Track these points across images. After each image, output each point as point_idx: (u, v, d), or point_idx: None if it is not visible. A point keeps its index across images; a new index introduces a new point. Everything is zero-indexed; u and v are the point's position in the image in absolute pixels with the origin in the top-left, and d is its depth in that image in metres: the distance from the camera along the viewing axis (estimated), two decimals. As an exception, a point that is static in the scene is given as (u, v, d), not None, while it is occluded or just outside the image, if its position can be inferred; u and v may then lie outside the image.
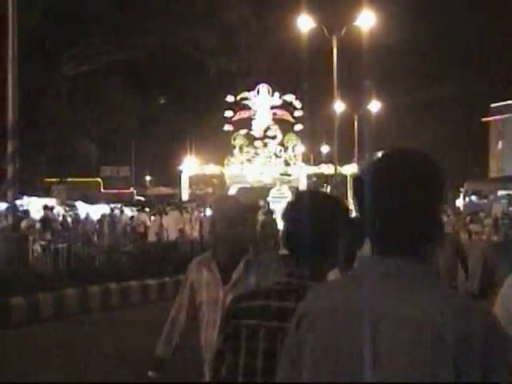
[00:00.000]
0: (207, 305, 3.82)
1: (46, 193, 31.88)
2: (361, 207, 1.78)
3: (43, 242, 18.19)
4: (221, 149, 42.28)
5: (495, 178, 48.19)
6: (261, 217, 23.87)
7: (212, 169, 43.00)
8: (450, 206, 54.95)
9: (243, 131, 42.23)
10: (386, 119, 48.34)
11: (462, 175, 47.26)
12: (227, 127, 41.51)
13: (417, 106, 52.99)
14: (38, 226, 21.79)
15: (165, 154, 43.72)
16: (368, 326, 1.61)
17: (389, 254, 1.67)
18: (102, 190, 43.45)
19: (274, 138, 42.49)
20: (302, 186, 42.62)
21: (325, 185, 50.27)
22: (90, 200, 31.03)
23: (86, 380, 8.00)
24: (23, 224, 17.23)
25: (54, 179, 36.39)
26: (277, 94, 41.87)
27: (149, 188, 52.44)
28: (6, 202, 15.62)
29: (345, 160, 40.93)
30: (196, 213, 28.84)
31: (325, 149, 56.59)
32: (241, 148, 42.48)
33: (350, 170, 43.24)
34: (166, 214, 25.98)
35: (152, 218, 26.88)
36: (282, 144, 42.48)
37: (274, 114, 41.47)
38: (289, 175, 42.79)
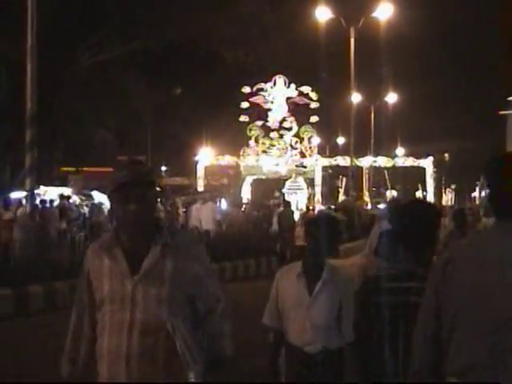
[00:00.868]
0: (110, 302, 2.96)
1: (63, 182, 32.00)
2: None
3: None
4: (236, 140, 42.28)
5: None
6: (278, 209, 23.75)
7: (227, 160, 43.03)
8: (467, 199, 54.66)
9: (259, 122, 42.22)
10: (402, 111, 48.09)
11: (479, 168, 46.93)
12: (243, 118, 41.53)
13: (433, 98, 52.66)
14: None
15: (180, 144, 43.70)
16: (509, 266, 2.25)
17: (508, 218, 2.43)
18: (118, 180, 43.55)
19: (289, 129, 42.47)
20: (318, 177, 42.57)
21: (340, 176, 50.18)
22: (106, 190, 31.10)
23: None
24: (19, 212, 17.11)
25: (71, 169, 36.53)
26: (293, 86, 41.82)
27: (165, 178, 52.50)
28: (25, 190, 15.68)
29: (361, 152, 40.82)
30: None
31: (341, 140, 56.42)
32: (256, 139, 42.48)
33: (366, 161, 43.15)
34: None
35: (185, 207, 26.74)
36: (297, 135, 42.44)
37: (292, 103, 41.42)
38: (304, 167, 42.75)
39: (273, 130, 41.87)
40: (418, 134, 51.24)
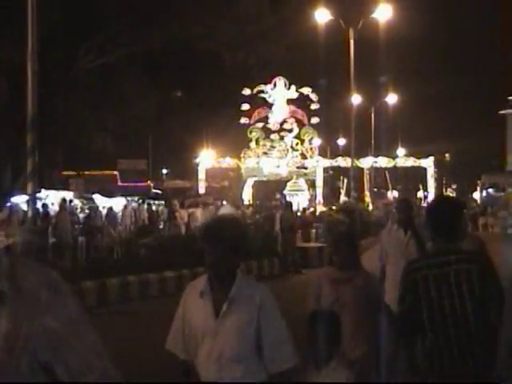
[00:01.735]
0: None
1: (64, 186, 31.98)
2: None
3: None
4: (237, 142, 42.27)
5: (513, 171, 47.80)
6: (279, 211, 23.73)
7: (228, 162, 43.04)
8: (468, 199, 54.64)
9: (259, 124, 42.23)
10: (402, 111, 48.11)
11: (479, 168, 46.92)
12: (243, 120, 41.52)
13: (433, 99, 52.72)
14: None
15: (181, 147, 43.67)
16: None
17: None
18: (119, 183, 43.52)
19: (290, 131, 42.47)
20: (319, 178, 42.55)
21: (341, 178, 50.16)
22: (107, 193, 31.08)
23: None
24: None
25: (72, 172, 36.51)
26: (293, 87, 41.83)
27: (165, 181, 52.48)
28: (26, 194, 15.66)
29: (362, 153, 40.79)
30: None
31: (341, 141, 56.42)
32: (257, 141, 42.49)
33: (367, 162, 43.11)
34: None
35: (189, 210, 26.78)
36: (298, 137, 42.44)
37: (291, 111, 41.45)
38: (305, 168, 42.74)
39: (273, 132, 41.88)
40: (419, 134, 51.30)
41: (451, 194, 63.31)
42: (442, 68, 52.73)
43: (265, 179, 43.14)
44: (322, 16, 29.20)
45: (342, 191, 46.93)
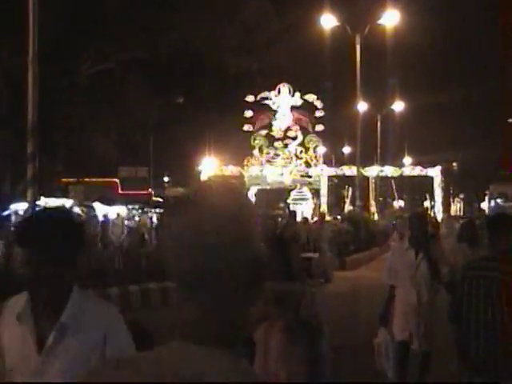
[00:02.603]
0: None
1: (63, 193, 32.06)
2: None
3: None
4: (240, 149, 42.38)
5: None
6: (283, 220, 23.85)
7: (231, 170, 43.13)
8: (475, 208, 54.61)
9: (263, 132, 42.34)
10: (409, 119, 48.18)
11: (487, 178, 46.92)
12: (247, 127, 41.63)
13: (441, 106, 52.74)
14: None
15: (183, 154, 43.79)
16: None
17: None
18: (120, 191, 43.64)
19: (294, 138, 42.57)
20: (323, 187, 42.63)
21: (346, 187, 50.23)
22: (108, 201, 31.17)
23: None
24: None
25: (72, 179, 36.59)
26: (298, 94, 41.95)
27: (167, 189, 52.57)
28: (26, 202, 15.76)
29: (367, 161, 40.87)
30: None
31: (347, 150, 56.50)
32: (261, 149, 42.60)
33: (373, 171, 43.19)
34: None
35: None
36: (302, 145, 42.53)
37: (296, 118, 41.56)
38: (309, 177, 42.82)
39: (277, 140, 41.98)
40: (426, 142, 51.29)
41: (458, 204, 63.29)
42: (450, 75, 52.81)
43: (268, 188, 43.22)
44: (328, 22, 29.34)
45: (347, 200, 47.01)
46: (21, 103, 15.97)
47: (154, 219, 28.62)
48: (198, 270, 1.25)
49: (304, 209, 38.56)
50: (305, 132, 41.54)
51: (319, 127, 41.24)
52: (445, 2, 49.90)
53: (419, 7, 38.30)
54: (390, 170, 43.91)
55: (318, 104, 41.17)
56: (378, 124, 45.07)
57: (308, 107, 41.45)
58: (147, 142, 41.96)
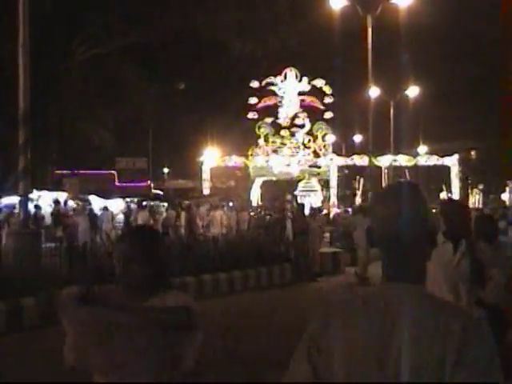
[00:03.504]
0: None
1: (57, 186, 32.12)
2: None
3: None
4: (244, 139, 42.32)
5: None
6: (289, 212, 23.83)
7: (235, 160, 43.07)
8: (495, 200, 54.52)
9: (269, 119, 42.25)
10: (424, 105, 48.01)
11: (509, 169, 46.80)
12: (251, 115, 41.55)
13: (458, 91, 52.54)
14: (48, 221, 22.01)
15: (184, 144, 43.83)
16: None
17: None
18: (117, 183, 43.74)
19: (302, 126, 42.48)
20: (333, 178, 42.56)
21: (357, 177, 50.14)
22: (105, 194, 31.21)
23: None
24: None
25: (66, 171, 36.67)
26: (305, 79, 41.82)
27: (167, 181, 52.64)
28: (18, 195, 15.78)
29: (380, 150, 40.79)
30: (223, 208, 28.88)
31: (358, 138, 56.42)
32: (266, 138, 42.51)
33: (386, 161, 43.11)
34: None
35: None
36: (310, 133, 42.44)
37: (302, 101, 41.45)
38: (318, 167, 42.75)
39: (284, 128, 41.91)
40: (442, 130, 51.13)
41: (477, 196, 63.20)
42: (468, 58, 52.58)
43: (274, 179, 43.17)
44: (337, 1, 29.19)
45: (358, 192, 46.88)
46: (11, 90, 15.96)
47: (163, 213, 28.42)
48: (401, 237, 2.17)
49: (313, 201, 38.51)
50: (313, 119, 41.44)
51: (328, 114, 41.14)
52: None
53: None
54: (403, 160, 43.82)
55: (327, 90, 41.06)
56: (391, 110, 44.95)
57: (316, 93, 41.34)
58: (146, 131, 41.99)
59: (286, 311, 13.04)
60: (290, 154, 41.83)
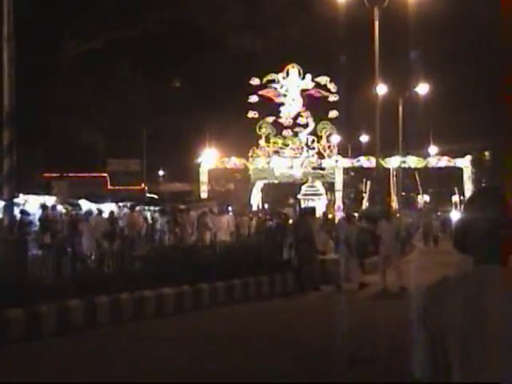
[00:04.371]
0: None
1: (45, 190, 32.04)
2: None
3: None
4: (244, 139, 42.29)
5: None
6: (292, 217, 23.76)
7: (234, 162, 43.07)
8: None
9: (270, 119, 42.25)
10: (435, 103, 47.95)
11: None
12: (251, 114, 41.55)
13: (471, 88, 52.48)
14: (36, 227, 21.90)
15: (180, 145, 43.75)
16: None
17: None
18: (109, 187, 43.65)
19: (305, 126, 42.48)
20: (338, 181, 42.54)
21: (364, 180, 50.14)
22: (96, 198, 31.11)
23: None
24: None
25: (55, 174, 36.59)
26: (309, 76, 41.83)
27: (162, 184, 52.58)
28: (3, 199, 15.70)
29: (388, 151, 40.76)
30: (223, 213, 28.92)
31: (364, 138, 56.35)
32: (267, 138, 42.50)
33: (394, 162, 43.08)
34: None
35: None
36: (314, 133, 42.45)
37: (304, 91, 41.40)
38: (323, 169, 42.75)
39: (286, 128, 41.88)
40: (454, 129, 51.06)
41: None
42: (480, 52, 52.54)
43: (276, 182, 43.13)
44: (342, -7, 29.14)
45: (365, 195, 46.88)
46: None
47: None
48: (491, 229, 2.69)
49: (317, 205, 38.47)
50: (317, 118, 41.43)
51: (333, 113, 41.10)
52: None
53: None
54: (413, 161, 43.80)
55: (332, 87, 41.05)
56: (400, 109, 44.83)
57: (320, 91, 41.32)
58: (139, 131, 41.90)
59: (288, 322, 12.96)
60: (292, 156, 41.82)
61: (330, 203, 42.34)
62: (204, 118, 40.79)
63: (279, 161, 41.62)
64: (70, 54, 29.03)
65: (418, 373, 2.73)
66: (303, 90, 41.55)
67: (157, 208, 31.65)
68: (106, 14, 28.10)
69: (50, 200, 27.99)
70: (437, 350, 2.74)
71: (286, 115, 41.72)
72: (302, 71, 41.53)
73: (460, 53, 51.44)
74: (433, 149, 53.59)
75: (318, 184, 42.69)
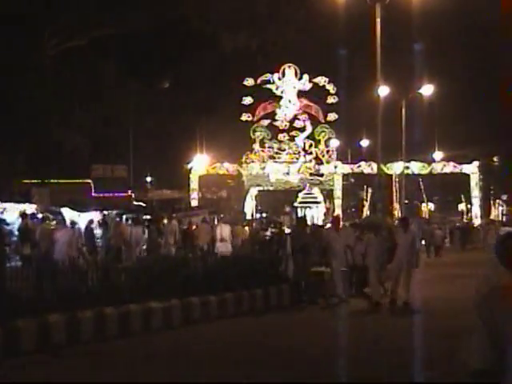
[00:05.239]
0: None
1: (25, 197, 32.01)
2: None
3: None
4: (238, 143, 42.37)
5: None
6: (290, 226, 23.76)
7: (227, 168, 43.11)
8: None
9: (265, 122, 42.33)
10: (440, 106, 48.08)
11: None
12: (245, 117, 41.61)
13: (478, 90, 52.64)
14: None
15: (169, 149, 43.74)
16: None
17: None
18: (94, 194, 43.56)
19: (302, 129, 42.56)
20: (338, 188, 42.55)
21: (365, 187, 50.19)
22: (79, 206, 31.08)
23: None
24: None
25: (35, 180, 36.52)
26: (306, 77, 41.91)
27: (150, 191, 52.51)
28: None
29: (390, 157, 40.81)
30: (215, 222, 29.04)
31: (365, 143, 56.45)
32: (262, 142, 42.56)
33: (397, 168, 43.12)
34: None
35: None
36: (312, 137, 42.51)
37: (304, 105, 41.53)
38: (321, 175, 42.80)
39: (282, 131, 41.94)
40: (460, 134, 51.18)
41: (500, 208, 63.26)
42: (487, 52, 52.70)
43: (271, 189, 43.20)
44: (342, -11, 29.23)
45: (366, 203, 46.97)
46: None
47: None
48: None
49: (315, 214, 38.54)
50: (315, 122, 41.50)
51: (332, 116, 41.22)
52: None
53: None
54: (417, 167, 43.91)
55: (331, 88, 41.16)
56: (403, 112, 44.96)
57: (318, 92, 41.42)
58: (125, 135, 41.86)
59: (283, 337, 12.93)
60: (288, 161, 41.90)
61: (329, 211, 42.37)
62: (194, 120, 40.82)
63: (275, 166, 41.71)
64: (52, 53, 29.00)
65: (473, 361, 3.58)
66: (300, 92, 41.64)
67: (129, 215, 31.63)
68: (89, 11, 28.10)
69: (29, 208, 27.96)
70: (493, 343, 3.56)
71: (282, 118, 41.81)
72: (299, 71, 41.62)
73: (466, 51, 51.60)
74: (438, 154, 53.68)
75: (316, 191, 42.76)
